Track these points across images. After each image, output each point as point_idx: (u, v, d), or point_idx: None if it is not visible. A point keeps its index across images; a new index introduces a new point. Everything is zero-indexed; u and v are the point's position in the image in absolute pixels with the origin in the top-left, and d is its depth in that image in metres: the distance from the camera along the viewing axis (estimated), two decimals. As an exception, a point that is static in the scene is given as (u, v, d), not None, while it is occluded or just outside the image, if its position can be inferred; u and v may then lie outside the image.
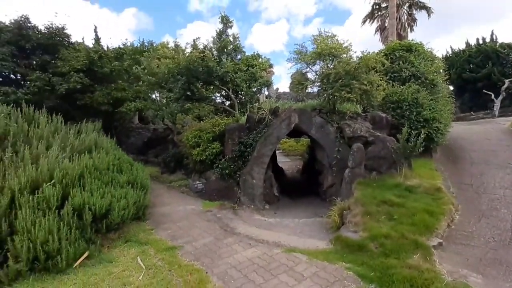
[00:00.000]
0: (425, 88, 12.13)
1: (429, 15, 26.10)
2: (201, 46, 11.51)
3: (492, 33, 29.52)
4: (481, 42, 29.75)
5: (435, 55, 14.28)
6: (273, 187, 11.85)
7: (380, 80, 9.64)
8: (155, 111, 15.78)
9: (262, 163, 10.68)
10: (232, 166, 10.59)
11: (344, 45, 9.67)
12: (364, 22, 26.54)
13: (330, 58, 9.34)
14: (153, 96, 17.18)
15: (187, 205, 10.44)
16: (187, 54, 10.97)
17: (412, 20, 26.95)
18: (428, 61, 13.50)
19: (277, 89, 15.66)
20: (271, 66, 20.67)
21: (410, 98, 11.68)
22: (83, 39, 14.20)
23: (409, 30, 26.39)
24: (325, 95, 9.67)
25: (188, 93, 11.38)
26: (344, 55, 10.02)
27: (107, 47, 16.77)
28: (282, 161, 23.25)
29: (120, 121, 21.82)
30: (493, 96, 25.89)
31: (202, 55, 10.93)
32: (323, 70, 9.51)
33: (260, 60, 15.50)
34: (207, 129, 11.32)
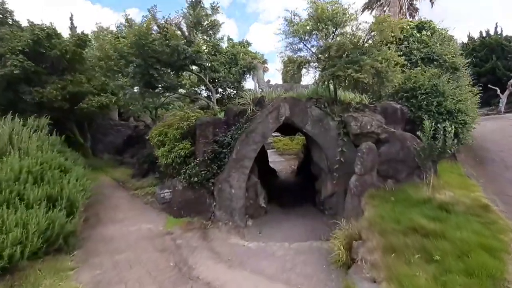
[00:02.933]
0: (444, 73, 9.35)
1: (432, 3, 23.36)
2: (162, 21, 8.60)
3: (496, 26, 26.90)
4: (484, 35, 27.06)
5: (452, 35, 11.48)
6: (258, 197, 9.07)
7: (399, 57, 6.84)
8: (127, 106, 12.90)
9: (243, 168, 7.88)
10: (203, 171, 7.81)
11: (349, 11, 6.82)
12: (362, 11, 23.89)
13: (332, 27, 6.52)
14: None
15: (144, 223, 7.64)
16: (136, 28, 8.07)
17: (414, 10, 24.20)
18: (445, 41, 10.70)
19: (269, 81, 13.00)
20: (265, 62, 17.89)
21: (428, 85, 8.90)
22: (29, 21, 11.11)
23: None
24: (323, 77, 6.85)
25: (150, 79, 8.50)
26: (349, 28, 7.20)
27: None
28: (276, 160, 20.57)
29: (95, 117, 18.91)
30: (498, 91, 23.23)
31: (164, 31, 8.07)
32: (323, 42, 6.69)
33: (249, 48, 12.60)
34: (173, 124, 8.48)
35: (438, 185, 6.61)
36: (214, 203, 8.10)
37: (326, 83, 7.39)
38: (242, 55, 9.79)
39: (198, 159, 8.05)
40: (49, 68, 11.37)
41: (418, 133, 6.84)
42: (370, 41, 6.63)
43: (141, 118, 17.57)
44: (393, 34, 6.65)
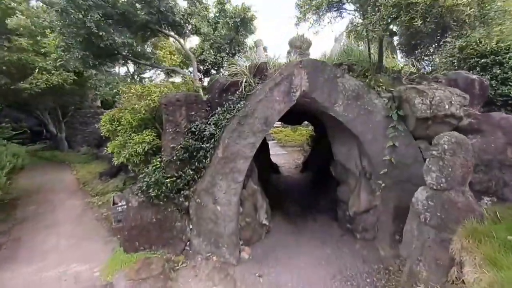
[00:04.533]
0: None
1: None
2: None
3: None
4: None
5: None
6: (259, 211, 6.05)
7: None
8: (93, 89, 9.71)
9: (235, 172, 4.82)
10: (170, 179, 4.71)
11: None
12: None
13: None
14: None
15: (75, 263, 4.65)
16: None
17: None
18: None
19: (265, 48, 9.76)
20: (265, 49, 14.61)
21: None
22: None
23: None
24: (376, 21, 3.69)
25: (96, 41, 5.28)
26: None
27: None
28: (278, 153, 17.68)
29: (68, 103, 15.73)
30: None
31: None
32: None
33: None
34: (130, 107, 5.33)
35: None
36: (190, 227, 5.07)
37: (372, 34, 4.22)
38: (232, 11, 6.57)
39: (163, 158, 4.95)
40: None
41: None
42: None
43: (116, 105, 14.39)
44: None
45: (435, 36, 4.87)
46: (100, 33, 5.42)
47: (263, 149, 11.98)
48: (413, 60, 6.13)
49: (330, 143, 6.87)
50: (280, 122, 24.41)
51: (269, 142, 19.92)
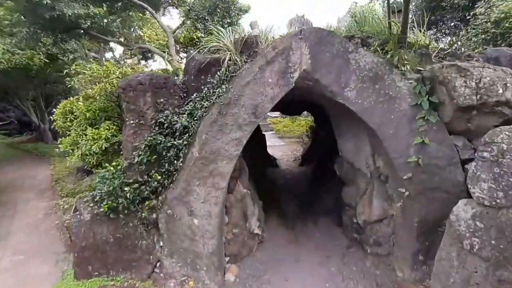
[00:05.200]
0: None
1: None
2: None
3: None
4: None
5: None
6: (249, 219, 4.98)
7: None
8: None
9: (216, 176, 3.70)
10: (132, 185, 3.56)
11: None
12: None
13: None
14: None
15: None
16: None
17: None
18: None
19: (255, 21, 8.41)
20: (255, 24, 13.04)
21: None
22: None
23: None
24: None
25: (42, 11, 4.02)
26: None
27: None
28: (276, 145, 16.64)
29: (57, 92, 14.47)
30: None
31: None
32: None
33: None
34: (85, 94, 4.12)
35: None
36: (160, 245, 3.97)
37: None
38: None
39: (124, 159, 3.80)
40: None
41: None
42: None
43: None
44: None
45: (459, 10, 3.69)
46: (44, 1, 4.15)
47: (259, 141, 10.84)
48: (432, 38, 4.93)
49: (334, 136, 5.73)
50: (278, 113, 23.35)
51: (267, 133, 18.85)
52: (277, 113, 23.60)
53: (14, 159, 12.34)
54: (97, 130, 4.03)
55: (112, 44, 12.89)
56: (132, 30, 9.19)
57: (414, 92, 3.49)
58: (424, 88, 3.44)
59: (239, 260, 4.74)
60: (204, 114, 3.73)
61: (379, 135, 3.58)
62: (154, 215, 3.87)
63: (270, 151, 13.49)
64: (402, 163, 3.58)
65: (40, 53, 8.87)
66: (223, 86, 3.71)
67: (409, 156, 3.54)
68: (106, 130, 4.05)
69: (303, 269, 4.64)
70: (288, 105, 9.43)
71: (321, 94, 3.89)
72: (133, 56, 7.74)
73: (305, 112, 19.52)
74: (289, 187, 9.58)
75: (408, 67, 3.59)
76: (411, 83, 3.53)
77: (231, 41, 4.10)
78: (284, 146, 16.58)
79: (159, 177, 3.67)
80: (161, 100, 3.88)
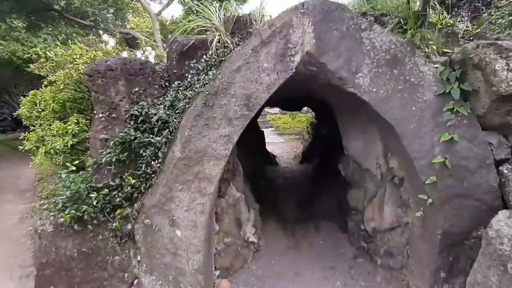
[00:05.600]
0: None
1: None
2: None
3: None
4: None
5: None
6: (243, 227, 4.37)
7: None
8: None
9: (202, 179, 3.07)
10: (101, 191, 2.93)
11: None
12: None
13: None
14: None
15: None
16: None
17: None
18: None
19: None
20: None
21: None
22: None
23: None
24: None
25: None
26: None
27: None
28: (275, 141, 16.13)
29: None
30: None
31: None
32: None
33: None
34: (48, 82, 3.48)
35: None
36: (138, 260, 3.35)
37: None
38: None
39: (91, 160, 3.17)
40: None
41: None
42: None
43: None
44: None
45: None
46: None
47: (257, 137, 10.23)
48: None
49: (337, 133, 5.11)
50: (278, 109, 22.77)
51: (266, 130, 18.26)
52: (276, 110, 23.06)
53: (2, 157, 11.74)
54: (63, 125, 3.41)
55: (105, 37, 12.26)
56: (117, 16, 8.44)
57: (441, 78, 2.85)
58: (454, 73, 2.80)
59: (231, 274, 4.15)
60: (187, 105, 3.10)
61: (397, 131, 2.94)
62: (129, 226, 3.26)
63: (269, 148, 12.93)
64: (425, 164, 2.95)
65: (24, 44, 8.23)
66: (210, 73, 3.07)
67: (433, 156, 2.91)
68: (74, 125, 3.43)
69: (304, 284, 4.04)
70: (288, 101, 8.80)
71: (327, 83, 3.24)
72: (119, 45, 7.06)
73: (305, 108, 18.98)
74: (289, 186, 8.98)
75: (434, 48, 2.95)
76: (437, 67, 2.89)
77: (220, 19, 3.44)
78: (284, 143, 16.04)
79: (133, 181, 3.05)
80: (137, 89, 3.24)
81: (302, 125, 17.19)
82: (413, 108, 2.90)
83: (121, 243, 3.28)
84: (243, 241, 4.45)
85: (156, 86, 3.44)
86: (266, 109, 22.73)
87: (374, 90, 2.92)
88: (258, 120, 17.16)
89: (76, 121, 3.50)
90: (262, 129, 13.62)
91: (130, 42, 6.44)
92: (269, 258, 4.76)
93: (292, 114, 20.94)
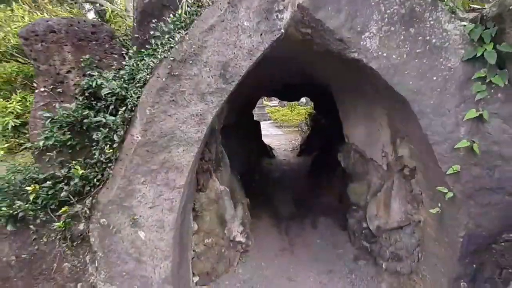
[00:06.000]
0: None
1: None
2: None
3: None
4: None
5: None
6: (228, 225, 3.74)
7: None
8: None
9: (170, 169, 2.45)
10: (42, 183, 2.29)
11: None
12: None
13: None
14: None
15: None
16: None
17: None
18: None
19: None
20: None
21: None
22: None
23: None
24: None
25: None
26: None
27: None
28: (273, 134, 15.74)
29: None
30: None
31: None
32: None
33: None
34: None
35: None
36: (95, 266, 2.75)
37: None
38: None
39: (31, 144, 2.53)
40: None
41: None
42: None
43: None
44: None
45: None
46: None
47: (252, 129, 9.62)
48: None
49: (337, 123, 4.50)
50: (277, 102, 22.13)
51: (264, 122, 17.69)
52: (275, 102, 22.43)
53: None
54: (4, 102, 2.78)
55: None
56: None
57: (471, 39, 2.21)
58: (488, 32, 2.15)
59: (213, 280, 3.57)
60: (149, 77, 2.45)
61: (413, 108, 2.30)
62: (82, 226, 2.65)
63: (267, 140, 12.41)
64: (447, 150, 2.32)
65: None
66: (177, 35, 2.41)
67: (458, 140, 2.28)
68: (16, 102, 2.80)
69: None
70: (286, 90, 8.15)
71: (325, 51, 2.59)
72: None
73: (304, 100, 18.36)
74: (286, 180, 8.42)
75: (460, 2, 2.29)
76: (465, 25, 2.24)
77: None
78: (282, 135, 15.53)
79: (81, 172, 2.42)
80: (87, 57, 2.58)
81: (301, 118, 16.66)
82: (434, 78, 2.26)
83: (72, 246, 2.67)
84: (228, 241, 3.86)
85: (116, 56, 2.79)
86: (265, 102, 22.12)
87: (385, 54, 2.27)
88: (256, 112, 16.53)
89: (21, 98, 2.87)
90: (261, 122, 13.02)
91: (103, 15, 5.72)
92: (259, 260, 4.18)
93: (291, 106, 20.46)
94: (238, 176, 5.23)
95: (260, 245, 4.53)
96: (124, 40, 2.86)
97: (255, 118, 11.38)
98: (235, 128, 5.94)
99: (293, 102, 19.01)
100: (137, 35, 2.72)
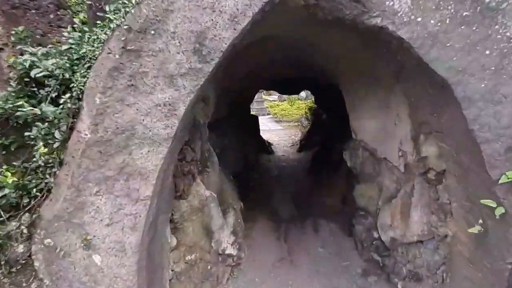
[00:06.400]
0: None
1: None
2: None
3: None
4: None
5: None
6: (215, 236, 3.12)
7: None
8: None
9: (131, 176, 1.89)
10: None
11: None
12: None
13: None
14: None
15: None
16: None
17: None
18: None
19: None
20: None
21: None
22: None
23: None
24: None
25: None
26: None
27: None
28: (272, 129, 15.21)
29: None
30: None
31: None
32: None
33: None
34: None
35: None
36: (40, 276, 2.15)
37: None
38: None
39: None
40: None
41: None
42: None
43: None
44: None
45: None
46: None
47: (249, 123, 9.00)
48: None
49: (338, 118, 3.87)
50: (276, 96, 21.45)
51: (263, 117, 17.06)
52: (275, 97, 21.72)
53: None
54: None
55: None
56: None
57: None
58: None
59: (197, 303, 2.98)
60: (98, 53, 1.82)
61: (456, 93, 1.67)
62: (21, 248, 2.05)
63: (266, 136, 11.82)
64: (500, 150, 1.70)
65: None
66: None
67: (516, 136, 1.65)
68: None
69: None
70: (286, 82, 7.52)
71: (333, 20, 1.94)
72: None
73: (304, 94, 17.69)
74: (285, 178, 7.83)
75: None
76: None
77: None
78: (282, 130, 14.92)
79: (11, 180, 1.80)
80: (25, 32, 1.95)
81: (301, 112, 16.05)
82: (487, 52, 1.62)
83: (10, 273, 2.07)
84: (216, 255, 3.27)
85: (65, 30, 2.14)
86: (264, 96, 21.42)
87: (419, 19, 1.63)
88: (254, 106, 15.83)
89: None
90: (259, 117, 12.37)
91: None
92: (253, 274, 3.60)
93: (290, 100, 19.85)
94: (230, 176, 4.64)
95: (255, 255, 3.95)
96: (77, 11, 2.22)
97: (253, 113, 10.77)
98: (229, 122, 5.33)
99: (293, 96, 18.35)
100: (90, 2, 2.08)
